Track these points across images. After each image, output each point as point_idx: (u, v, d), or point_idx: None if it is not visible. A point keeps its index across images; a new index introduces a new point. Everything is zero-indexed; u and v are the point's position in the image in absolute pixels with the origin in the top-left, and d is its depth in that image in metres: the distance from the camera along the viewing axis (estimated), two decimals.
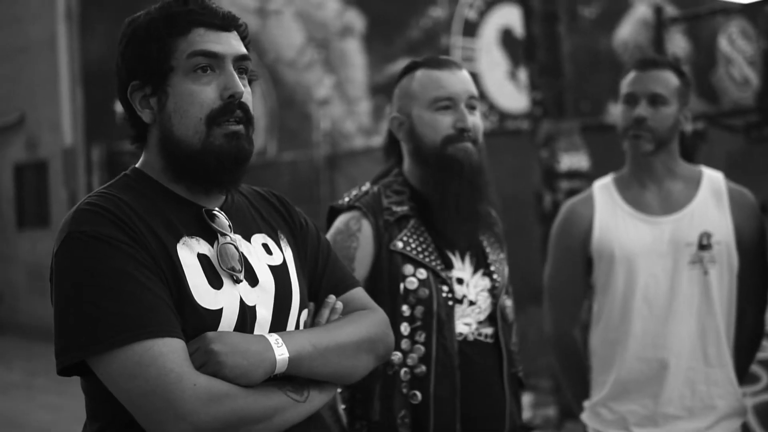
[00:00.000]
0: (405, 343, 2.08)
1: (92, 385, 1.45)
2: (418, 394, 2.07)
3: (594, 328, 2.62)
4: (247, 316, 1.47)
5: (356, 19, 13.79)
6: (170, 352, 1.35)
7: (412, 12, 14.18)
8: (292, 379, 1.49)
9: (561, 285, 2.65)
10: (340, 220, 2.17)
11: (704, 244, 2.47)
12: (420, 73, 2.19)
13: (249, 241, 1.57)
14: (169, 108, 1.48)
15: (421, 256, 2.12)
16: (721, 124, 5.39)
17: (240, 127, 1.50)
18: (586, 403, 2.64)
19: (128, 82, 1.51)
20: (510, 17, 14.39)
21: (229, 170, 1.50)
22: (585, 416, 2.64)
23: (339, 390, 2.13)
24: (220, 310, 1.44)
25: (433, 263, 2.12)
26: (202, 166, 1.48)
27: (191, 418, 1.34)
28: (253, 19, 12.69)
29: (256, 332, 1.48)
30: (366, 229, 2.13)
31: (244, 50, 1.53)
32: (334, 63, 13.62)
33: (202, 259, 1.47)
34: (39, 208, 12.67)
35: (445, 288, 2.11)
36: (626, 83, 2.53)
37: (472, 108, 2.17)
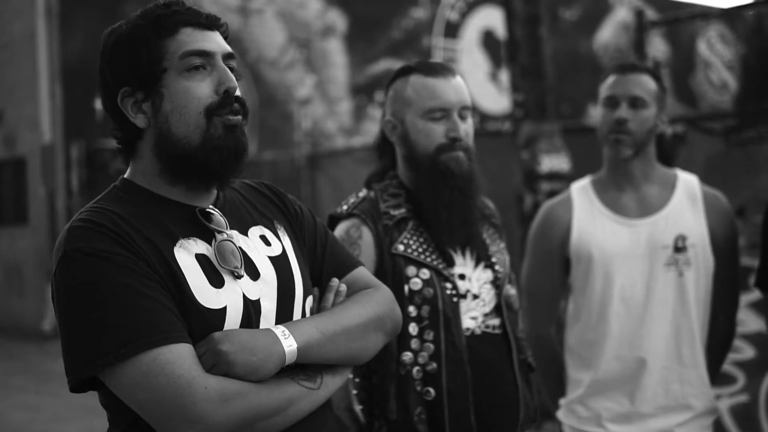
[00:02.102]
0: (415, 343, 2.12)
1: (107, 397, 1.47)
2: (432, 390, 2.11)
3: (571, 327, 2.65)
4: (251, 310, 1.49)
5: (338, 19, 13.78)
6: (177, 358, 1.36)
7: (394, 13, 14.19)
8: (305, 367, 1.50)
9: (538, 285, 2.68)
10: (340, 229, 2.20)
11: (679, 247, 2.51)
12: (414, 79, 2.22)
13: (246, 234, 1.58)
14: (166, 108, 1.49)
15: (422, 256, 2.16)
16: (701, 128, 5.43)
17: (238, 118, 1.52)
18: (562, 401, 2.68)
19: (117, 90, 1.51)
20: (491, 19, 14.44)
21: (230, 163, 1.51)
22: (560, 414, 2.68)
23: (355, 392, 2.17)
24: (224, 309, 1.45)
25: (435, 262, 2.16)
26: (203, 162, 1.49)
27: (206, 420, 1.35)
28: (234, 17, 12.65)
29: (262, 325, 1.50)
30: (366, 235, 2.17)
31: (230, 48, 1.55)
32: (316, 63, 13.61)
33: (201, 259, 1.48)
34: (17, 205, 12.56)
35: (448, 285, 2.15)
36: (606, 87, 2.56)
37: (464, 116, 2.20)
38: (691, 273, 2.50)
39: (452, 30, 14.66)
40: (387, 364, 2.10)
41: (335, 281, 1.66)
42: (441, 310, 2.13)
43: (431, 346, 2.12)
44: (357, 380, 2.17)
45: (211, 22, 1.53)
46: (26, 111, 12.07)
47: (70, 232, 1.44)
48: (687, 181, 2.60)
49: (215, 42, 1.52)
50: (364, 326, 1.59)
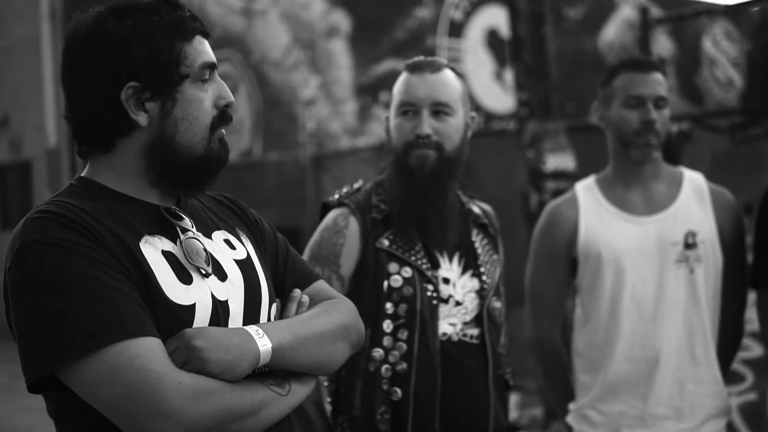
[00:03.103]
0: (387, 341, 2.10)
1: (60, 404, 1.40)
2: (399, 391, 2.08)
3: (579, 330, 2.61)
4: (219, 310, 1.43)
5: (342, 20, 13.78)
6: (147, 351, 1.29)
7: (398, 13, 14.18)
8: (273, 373, 1.46)
9: (543, 287, 2.63)
10: (329, 216, 2.20)
11: (690, 243, 2.47)
12: (401, 76, 2.23)
13: (210, 238, 1.53)
14: (177, 114, 1.45)
15: (407, 254, 2.13)
16: (706, 125, 5.41)
17: (224, 133, 1.52)
18: (572, 406, 2.63)
19: (125, 82, 1.42)
20: (496, 18, 14.42)
21: (216, 174, 1.51)
22: (571, 419, 2.63)
23: (326, 383, 2.16)
24: (193, 306, 1.40)
25: (419, 262, 2.13)
26: (198, 172, 1.48)
27: (179, 417, 1.29)
28: (238, 19, 12.66)
29: (230, 326, 1.45)
30: (353, 226, 2.15)
31: None
32: (320, 63, 13.60)
33: (168, 255, 1.42)
34: (23, 209, 12.57)
35: (430, 287, 2.12)
36: (625, 85, 2.48)
37: (438, 114, 2.16)
38: (701, 270, 2.47)
39: (456, 29, 14.64)
40: (356, 359, 2.06)
41: (297, 292, 1.62)
42: (418, 311, 2.10)
43: (404, 345, 2.09)
44: None
45: (209, 31, 1.53)
46: (31, 115, 12.09)
47: (26, 223, 1.37)
48: (693, 179, 2.58)
49: (213, 53, 1.51)
50: (333, 334, 1.55)
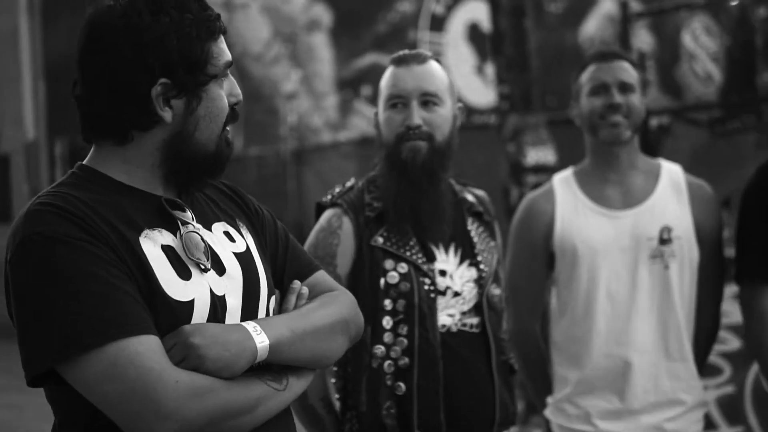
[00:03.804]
0: (388, 337, 2.11)
1: (60, 393, 1.39)
2: (402, 385, 2.10)
3: (556, 322, 2.61)
4: (217, 306, 1.44)
5: (323, 14, 13.74)
6: (147, 350, 1.30)
7: (379, 6, 14.15)
8: (270, 368, 1.47)
9: (522, 280, 2.63)
10: (323, 217, 2.21)
11: (665, 239, 2.48)
12: (387, 70, 2.23)
13: (210, 230, 1.53)
14: (200, 113, 1.46)
15: (401, 250, 2.14)
16: (686, 119, 5.45)
17: (229, 130, 1.54)
18: (549, 399, 2.64)
19: (157, 78, 1.41)
20: (477, 12, 14.42)
21: (223, 169, 1.54)
22: (548, 412, 2.64)
23: (333, 380, 2.18)
24: (192, 302, 1.40)
25: (414, 257, 2.14)
26: (208, 168, 1.50)
27: (176, 415, 1.30)
28: (219, 12, 12.59)
29: (227, 322, 1.45)
30: (347, 225, 2.17)
31: None
32: (301, 57, 13.56)
33: (167, 250, 1.42)
34: (0, 203, 12.48)
35: (426, 281, 2.13)
36: (590, 76, 2.52)
37: (427, 104, 2.16)
38: (676, 265, 2.48)
39: (438, 23, 14.64)
40: (360, 356, 2.10)
41: (297, 283, 1.61)
42: (417, 305, 2.11)
43: (405, 340, 2.11)
44: (335, 368, 2.16)
45: (227, 29, 1.55)
46: (9, 108, 11.98)
47: (28, 215, 1.37)
48: (671, 171, 2.58)
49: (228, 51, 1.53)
50: (331, 328, 1.56)
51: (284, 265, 1.65)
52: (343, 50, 13.83)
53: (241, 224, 1.61)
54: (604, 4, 15.80)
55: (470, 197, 2.32)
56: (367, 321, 1.85)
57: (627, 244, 2.48)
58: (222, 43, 1.50)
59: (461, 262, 2.21)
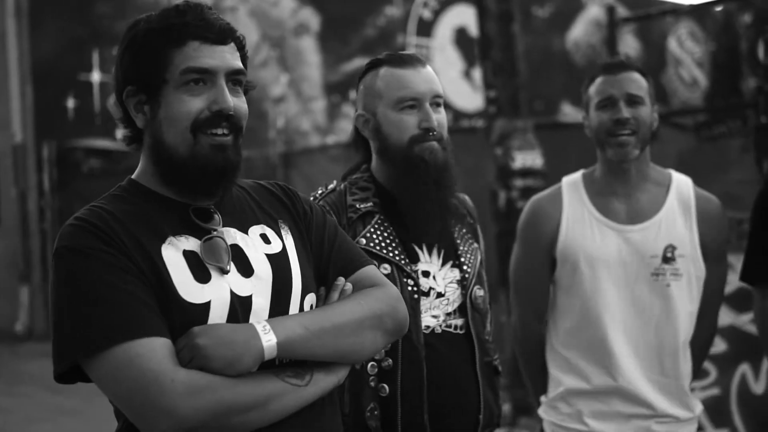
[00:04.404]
0: None
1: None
2: (386, 387, 2.09)
3: (553, 324, 2.61)
4: (237, 306, 1.50)
5: (311, 18, 13.75)
6: (148, 351, 1.39)
7: (368, 11, 14.17)
8: (294, 364, 1.51)
9: (527, 279, 2.62)
10: None
11: (668, 257, 2.46)
12: (384, 71, 2.19)
13: (246, 233, 1.61)
14: (161, 116, 1.54)
15: (384, 251, 2.14)
16: (672, 123, 5.48)
17: (227, 139, 1.55)
18: (543, 398, 2.65)
19: (124, 87, 1.56)
20: (465, 17, 14.46)
21: (215, 180, 1.55)
22: (541, 410, 2.65)
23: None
24: (208, 303, 1.48)
25: (397, 258, 2.13)
26: (189, 174, 1.54)
27: (173, 413, 1.37)
28: None
29: (252, 320, 1.51)
30: None
31: (237, 64, 1.57)
32: (290, 61, 13.57)
33: (188, 255, 1.51)
34: None
35: (410, 282, 2.13)
36: (597, 89, 2.49)
37: (437, 106, 2.18)
38: (678, 284, 2.46)
39: (425, 28, 14.67)
40: None
41: (341, 280, 1.66)
42: None
43: None
44: None
45: (223, 36, 1.55)
46: None
47: (62, 231, 1.51)
48: (680, 185, 2.55)
49: (220, 58, 1.54)
50: (358, 323, 1.58)
51: (329, 262, 1.70)
52: (332, 54, 13.84)
53: (283, 225, 1.67)
54: (591, 9, 15.88)
55: (453, 200, 2.33)
56: None
57: (630, 260, 2.47)
58: (191, 49, 1.52)
59: (444, 263, 2.21)
